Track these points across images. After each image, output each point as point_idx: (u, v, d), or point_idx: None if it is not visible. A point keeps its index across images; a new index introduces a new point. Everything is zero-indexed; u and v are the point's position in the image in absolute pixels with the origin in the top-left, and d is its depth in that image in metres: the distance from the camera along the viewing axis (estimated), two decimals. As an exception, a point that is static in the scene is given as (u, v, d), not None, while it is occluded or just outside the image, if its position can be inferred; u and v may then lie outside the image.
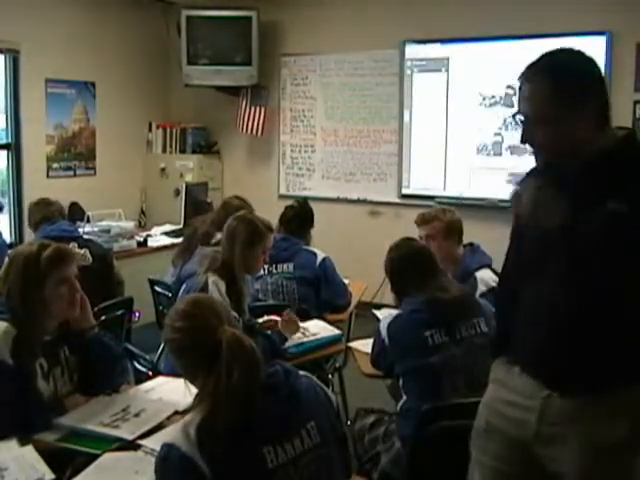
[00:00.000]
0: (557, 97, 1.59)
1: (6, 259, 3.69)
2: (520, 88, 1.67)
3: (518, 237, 1.83)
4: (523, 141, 1.68)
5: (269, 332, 3.03)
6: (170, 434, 1.59)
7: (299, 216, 3.96)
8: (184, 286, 3.06)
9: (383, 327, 2.64)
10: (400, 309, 2.68)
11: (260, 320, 3.23)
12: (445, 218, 3.36)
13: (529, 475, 1.77)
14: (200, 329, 1.63)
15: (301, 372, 1.74)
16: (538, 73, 1.63)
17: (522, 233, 1.80)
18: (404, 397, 2.54)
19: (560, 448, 1.68)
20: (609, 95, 1.67)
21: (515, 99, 5.72)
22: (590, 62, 1.67)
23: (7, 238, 5.52)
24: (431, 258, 2.74)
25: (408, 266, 2.71)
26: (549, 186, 1.68)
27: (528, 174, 1.80)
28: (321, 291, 3.71)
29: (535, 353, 1.72)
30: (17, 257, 2.23)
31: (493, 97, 5.78)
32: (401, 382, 2.56)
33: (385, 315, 2.85)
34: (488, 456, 1.84)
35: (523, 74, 1.66)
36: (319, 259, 3.72)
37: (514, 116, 1.68)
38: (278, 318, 3.33)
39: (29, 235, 4.29)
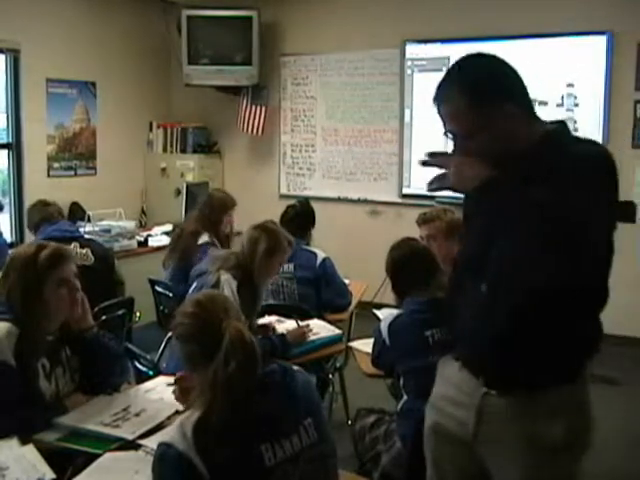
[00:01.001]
0: (473, 109, 1.59)
1: (7, 259, 3.72)
2: (438, 109, 1.67)
3: (466, 231, 1.85)
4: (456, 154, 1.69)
5: (274, 335, 3.05)
6: (167, 433, 1.59)
7: (300, 216, 3.96)
8: (195, 284, 3.07)
9: (384, 327, 2.65)
10: (401, 309, 2.68)
11: (260, 321, 3.23)
12: (446, 218, 3.36)
13: (476, 476, 1.77)
14: (208, 318, 1.65)
15: (295, 367, 1.74)
16: (449, 91, 1.63)
17: (468, 228, 1.82)
18: (404, 397, 2.54)
19: (498, 448, 1.68)
20: (526, 88, 1.67)
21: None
22: (495, 62, 1.67)
23: (7, 238, 5.53)
24: (432, 258, 2.74)
25: (409, 266, 2.71)
26: (489, 188, 1.68)
27: None
28: (321, 291, 3.71)
29: (473, 350, 1.72)
30: (16, 258, 2.23)
31: (493, 97, 5.78)
32: (401, 382, 2.57)
33: (386, 315, 2.86)
34: (440, 456, 1.86)
35: (436, 95, 1.66)
36: (319, 259, 3.73)
37: (445, 134, 1.68)
38: (276, 318, 3.34)
39: (30, 235, 4.28)
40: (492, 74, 1.65)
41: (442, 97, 1.65)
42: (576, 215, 1.48)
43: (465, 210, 1.83)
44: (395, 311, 2.75)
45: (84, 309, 2.30)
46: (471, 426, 1.71)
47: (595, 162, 1.60)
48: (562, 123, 1.69)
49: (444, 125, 1.67)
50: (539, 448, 1.64)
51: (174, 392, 2.02)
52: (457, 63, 1.68)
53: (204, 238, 4.14)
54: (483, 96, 1.60)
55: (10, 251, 4.05)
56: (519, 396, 1.65)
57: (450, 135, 1.66)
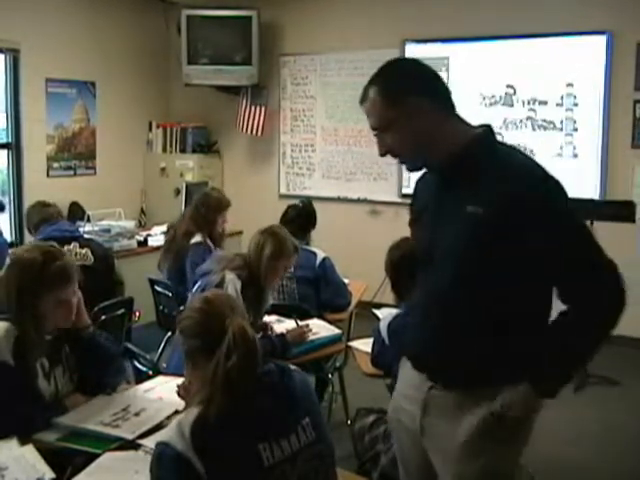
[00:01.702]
0: (385, 103, 1.69)
1: (7, 259, 3.72)
2: (364, 109, 1.77)
3: (415, 230, 1.96)
4: (382, 154, 1.77)
5: (274, 335, 3.05)
6: (165, 433, 1.59)
7: (302, 217, 3.96)
8: (199, 283, 3.07)
9: (383, 326, 2.65)
10: (400, 308, 2.68)
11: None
12: None
13: (428, 469, 1.83)
14: (213, 314, 1.66)
15: (292, 367, 1.75)
16: (367, 91, 1.73)
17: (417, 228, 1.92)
18: None
19: (438, 440, 1.76)
20: (450, 90, 1.75)
21: (515, 99, 5.73)
22: (410, 62, 1.83)
23: (7, 238, 5.52)
24: None
25: (409, 266, 2.71)
26: (432, 185, 1.80)
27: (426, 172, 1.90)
28: (321, 291, 3.71)
29: (417, 345, 1.82)
30: (19, 262, 2.20)
31: (493, 96, 5.79)
32: None
33: (385, 315, 2.86)
34: (401, 449, 1.95)
35: (360, 97, 1.77)
36: (319, 259, 3.73)
37: (375, 135, 1.77)
38: (276, 318, 3.34)
39: (29, 236, 4.28)
40: (403, 72, 1.76)
41: (363, 97, 1.76)
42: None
43: (414, 207, 1.95)
44: (394, 311, 2.75)
45: (79, 310, 2.28)
46: (418, 419, 1.79)
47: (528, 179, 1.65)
48: (488, 127, 1.75)
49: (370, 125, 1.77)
50: (472, 442, 1.69)
51: (178, 387, 2.02)
52: (379, 67, 1.79)
53: (197, 238, 4.14)
54: (393, 90, 1.70)
55: (10, 250, 4.07)
56: (462, 390, 1.72)
57: (373, 131, 1.76)
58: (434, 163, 1.74)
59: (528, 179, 1.63)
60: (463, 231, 1.64)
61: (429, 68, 1.75)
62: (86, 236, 4.24)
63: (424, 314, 1.80)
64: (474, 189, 1.64)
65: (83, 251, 3.75)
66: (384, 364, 2.69)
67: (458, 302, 1.69)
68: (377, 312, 3.43)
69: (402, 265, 2.73)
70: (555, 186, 1.65)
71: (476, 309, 1.67)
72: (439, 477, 1.81)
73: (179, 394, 2.01)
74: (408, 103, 1.67)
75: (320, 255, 3.75)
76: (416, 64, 1.77)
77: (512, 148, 1.75)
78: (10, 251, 4.05)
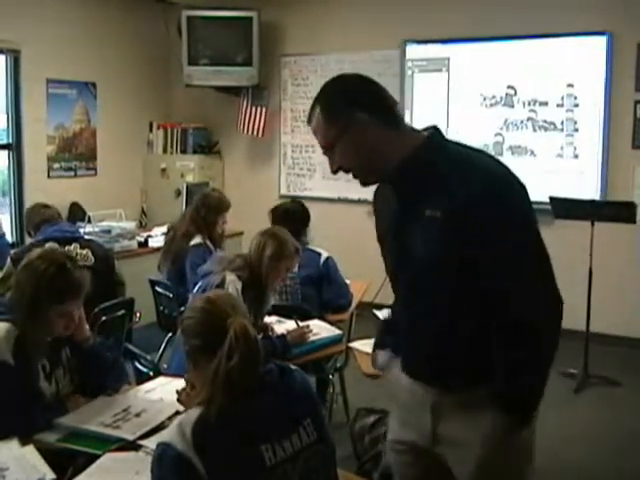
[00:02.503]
0: (327, 121, 1.70)
1: (8, 260, 3.72)
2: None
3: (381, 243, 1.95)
4: (333, 171, 1.77)
5: (274, 336, 3.06)
6: (166, 433, 1.59)
7: (294, 218, 3.96)
8: (199, 284, 3.08)
9: None
10: None
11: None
12: None
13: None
14: (214, 313, 1.67)
15: (293, 367, 1.75)
16: (312, 110, 1.74)
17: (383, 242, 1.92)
18: None
19: (454, 444, 1.73)
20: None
21: (516, 99, 5.74)
22: (350, 78, 1.79)
23: (7, 238, 5.53)
24: None
25: None
26: (388, 200, 1.79)
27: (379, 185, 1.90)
28: (323, 291, 3.72)
29: (411, 356, 1.81)
30: (31, 268, 2.19)
31: (494, 97, 5.79)
32: None
33: (385, 315, 2.85)
34: (403, 471, 1.91)
35: (308, 117, 1.77)
36: (323, 258, 3.75)
37: (324, 154, 1.77)
38: (276, 319, 3.34)
39: (29, 237, 4.28)
40: (342, 88, 1.76)
41: (309, 117, 1.76)
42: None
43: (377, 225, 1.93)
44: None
45: (80, 323, 2.27)
46: (429, 428, 1.76)
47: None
48: (434, 128, 1.75)
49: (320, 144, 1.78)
50: (488, 435, 1.68)
51: (178, 392, 2.02)
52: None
53: (197, 239, 4.14)
54: (333, 107, 1.70)
55: (12, 251, 4.07)
56: (458, 392, 1.71)
57: (322, 150, 1.76)
58: (384, 176, 1.74)
59: (480, 179, 1.60)
60: (424, 236, 1.64)
61: (371, 83, 1.75)
62: (87, 237, 4.25)
63: (409, 328, 1.81)
64: (429, 193, 1.64)
65: (84, 252, 3.76)
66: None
67: (436, 307, 1.70)
68: (378, 313, 3.43)
69: None
70: (509, 188, 1.63)
71: (454, 311, 1.67)
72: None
73: (179, 400, 2.01)
74: (348, 119, 1.67)
75: (324, 254, 3.78)
76: (357, 79, 1.77)
77: (465, 146, 1.73)
78: (12, 251, 4.07)
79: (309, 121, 1.76)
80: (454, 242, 1.60)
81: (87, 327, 2.33)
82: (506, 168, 1.67)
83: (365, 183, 1.79)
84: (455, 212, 1.58)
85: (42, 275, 2.15)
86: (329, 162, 1.76)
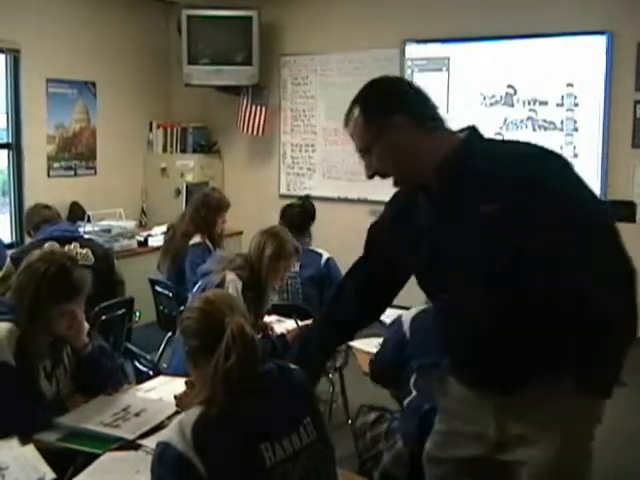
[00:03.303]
0: (366, 123, 1.69)
1: (7, 260, 3.72)
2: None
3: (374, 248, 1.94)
4: (369, 176, 1.75)
5: (274, 336, 3.06)
6: (166, 432, 1.59)
7: (302, 215, 3.97)
8: (199, 283, 3.08)
9: (406, 319, 2.61)
10: (427, 303, 2.65)
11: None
12: None
13: None
14: (212, 313, 1.67)
15: (292, 366, 1.75)
16: (350, 111, 1.73)
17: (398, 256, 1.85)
18: (413, 393, 2.52)
19: (527, 444, 1.68)
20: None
21: (516, 99, 5.73)
22: (390, 80, 1.80)
23: (7, 238, 5.54)
24: None
25: None
26: (414, 208, 1.75)
27: (395, 194, 1.87)
28: (325, 291, 3.72)
29: (475, 362, 1.74)
30: (32, 269, 2.19)
31: (493, 96, 5.78)
32: (414, 378, 2.54)
33: (390, 313, 2.84)
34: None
35: (345, 120, 1.75)
36: (324, 259, 3.76)
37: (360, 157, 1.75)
38: (276, 318, 3.35)
39: (28, 237, 4.28)
40: (382, 91, 1.75)
41: (346, 119, 1.75)
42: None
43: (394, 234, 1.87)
44: (398, 311, 2.74)
45: (79, 328, 2.27)
46: (493, 436, 1.71)
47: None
48: (472, 128, 1.74)
49: (356, 147, 1.76)
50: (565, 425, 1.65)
51: (176, 398, 2.02)
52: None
53: (196, 239, 4.14)
54: (373, 109, 1.69)
55: (10, 251, 4.07)
56: (524, 390, 1.66)
57: (359, 154, 1.75)
58: (421, 180, 1.70)
59: (527, 163, 1.58)
60: (475, 235, 1.60)
61: (412, 85, 1.74)
62: (86, 236, 4.25)
63: (462, 334, 1.74)
64: (473, 192, 1.61)
65: (83, 251, 3.76)
66: (394, 358, 2.65)
67: (497, 306, 1.63)
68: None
69: None
70: (558, 165, 1.60)
71: (516, 308, 1.62)
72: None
73: (177, 405, 2.02)
74: (387, 122, 1.66)
75: (325, 255, 3.79)
76: (397, 82, 1.78)
77: (500, 141, 1.74)
78: (10, 252, 4.07)
79: (346, 124, 1.74)
80: (508, 237, 1.56)
81: (86, 334, 2.32)
82: (542, 149, 1.63)
83: (403, 188, 1.77)
84: (504, 207, 1.55)
85: (43, 276, 2.15)
86: (365, 166, 1.74)
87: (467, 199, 1.62)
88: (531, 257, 1.57)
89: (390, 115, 1.66)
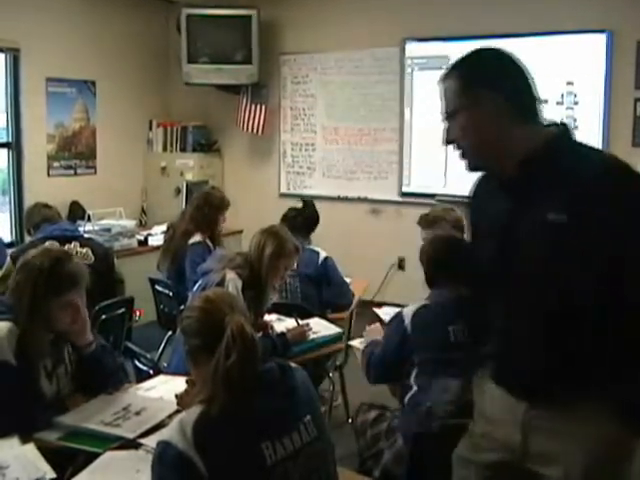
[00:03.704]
0: (462, 89, 1.62)
1: (7, 259, 3.73)
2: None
3: (477, 243, 1.83)
4: (446, 142, 1.68)
5: (274, 334, 3.06)
6: (166, 431, 1.59)
7: (303, 217, 3.97)
8: (199, 282, 3.08)
9: (407, 314, 2.61)
10: (427, 299, 2.65)
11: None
12: (451, 217, 3.37)
13: None
14: (212, 312, 1.67)
15: (292, 364, 1.75)
16: (449, 72, 1.66)
17: (479, 239, 1.80)
18: (414, 388, 2.51)
19: (556, 461, 1.62)
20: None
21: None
22: (497, 55, 1.68)
23: (7, 237, 5.53)
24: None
25: (443, 259, 2.68)
26: (496, 193, 1.68)
27: (482, 176, 1.79)
28: (323, 290, 3.72)
29: (522, 373, 1.68)
30: (28, 266, 2.20)
31: (493, 95, 5.78)
32: (414, 373, 2.54)
33: (387, 311, 2.84)
34: None
35: (441, 77, 1.68)
36: (321, 258, 3.75)
37: (443, 120, 1.69)
38: (276, 317, 3.35)
39: (28, 236, 4.28)
40: (486, 64, 1.67)
41: (443, 76, 1.67)
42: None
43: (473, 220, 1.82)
44: (395, 309, 2.74)
45: (83, 326, 2.27)
46: (518, 442, 1.66)
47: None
48: (564, 126, 1.66)
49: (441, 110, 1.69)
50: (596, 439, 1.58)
51: (177, 397, 2.02)
52: (470, 51, 1.70)
53: (196, 238, 4.13)
54: (470, 80, 1.62)
55: (10, 251, 4.07)
56: (560, 405, 1.60)
57: (442, 116, 1.68)
58: (501, 169, 1.62)
59: (610, 179, 1.50)
60: (545, 241, 1.54)
61: (518, 67, 1.65)
62: (86, 235, 4.25)
63: (519, 336, 1.67)
64: (552, 194, 1.53)
65: (83, 250, 3.76)
66: (394, 352, 2.66)
67: (558, 317, 1.56)
68: (378, 311, 3.43)
69: (445, 257, 2.69)
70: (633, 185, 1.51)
71: (570, 322, 1.55)
72: None
73: (179, 404, 2.02)
74: (480, 96, 1.59)
75: (322, 254, 3.78)
76: (504, 59, 1.66)
77: (588, 147, 1.63)
78: (10, 251, 4.07)
79: (442, 81, 1.66)
80: (580, 247, 1.49)
81: (90, 332, 2.32)
82: (627, 165, 1.55)
83: (473, 168, 1.69)
84: (582, 215, 1.48)
85: (38, 271, 2.16)
86: (444, 131, 1.67)
87: (540, 201, 1.55)
88: (595, 271, 1.50)
89: (487, 91, 1.59)
